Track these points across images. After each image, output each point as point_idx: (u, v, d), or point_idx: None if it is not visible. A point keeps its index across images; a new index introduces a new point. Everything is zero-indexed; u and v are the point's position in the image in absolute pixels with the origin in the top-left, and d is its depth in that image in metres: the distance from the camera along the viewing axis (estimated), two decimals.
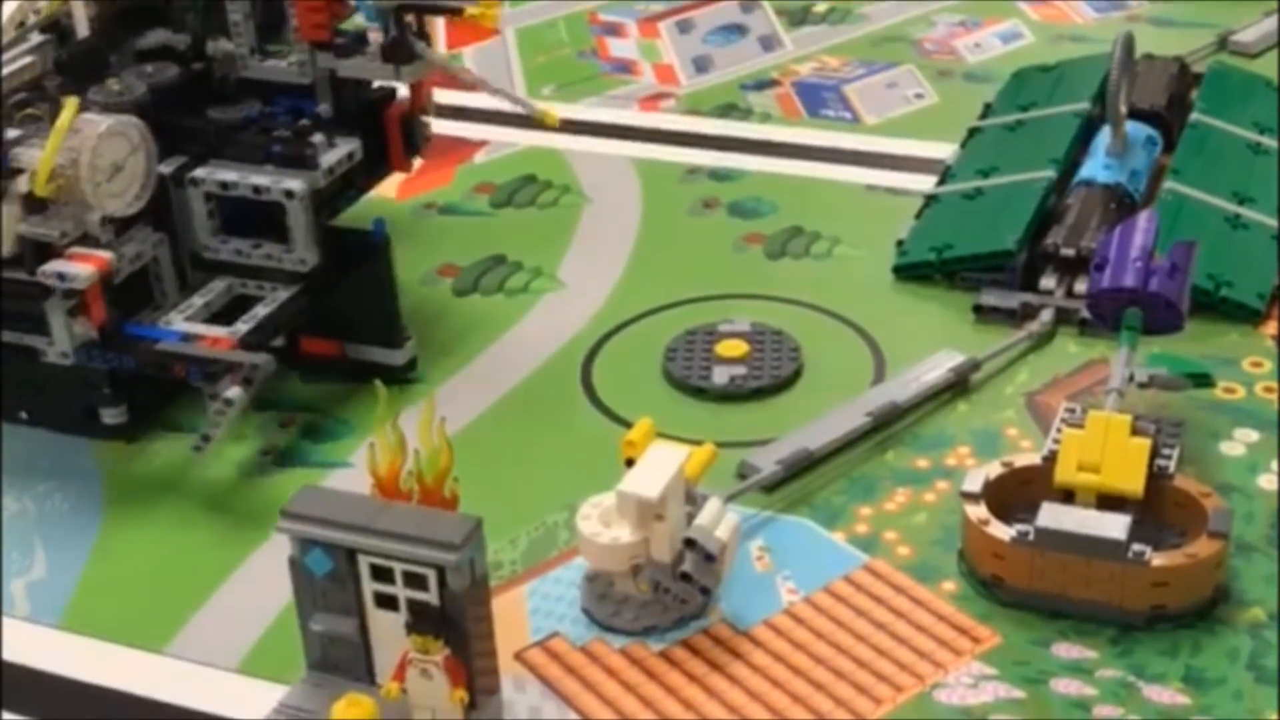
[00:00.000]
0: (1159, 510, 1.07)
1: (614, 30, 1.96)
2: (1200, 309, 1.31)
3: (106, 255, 1.16)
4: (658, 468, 1.03)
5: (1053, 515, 1.04)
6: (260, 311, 1.23)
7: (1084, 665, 1.00)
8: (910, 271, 1.42)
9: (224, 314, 1.24)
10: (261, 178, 1.23)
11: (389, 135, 1.31)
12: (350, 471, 1.21)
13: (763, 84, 1.80)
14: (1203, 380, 1.20)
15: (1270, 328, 1.33)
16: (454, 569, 0.89)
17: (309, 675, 0.97)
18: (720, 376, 1.28)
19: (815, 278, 1.44)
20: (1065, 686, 0.99)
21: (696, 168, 1.63)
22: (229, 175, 1.23)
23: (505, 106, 1.33)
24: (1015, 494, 1.09)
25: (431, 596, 0.91)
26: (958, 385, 1.27)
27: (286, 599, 1.00)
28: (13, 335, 1.21)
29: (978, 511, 1.07)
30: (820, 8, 1.99)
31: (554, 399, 1.30)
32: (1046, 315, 1.33)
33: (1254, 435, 1.20)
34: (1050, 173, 1.48)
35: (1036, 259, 1.39)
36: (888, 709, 0.98)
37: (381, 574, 0.92)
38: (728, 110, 1.75)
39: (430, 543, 0.89)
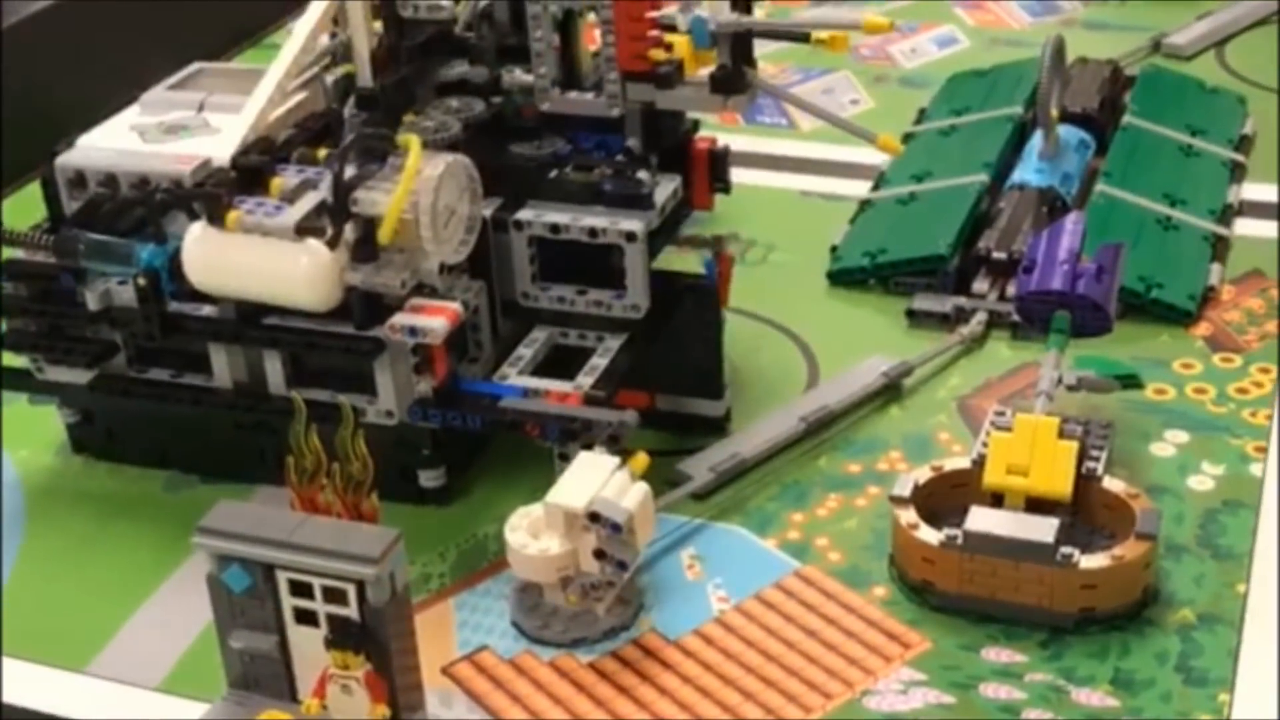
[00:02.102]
0: (1088, 512, 1.07)
1: None
2: (1131, 310, 1.32)
3: (455, 307, 1.07)
4: (586, 477, 1.02)
5: (981, 519, 1.03)
6: (599, 363, 1.13)
7: (1013, 669, 1.00)
8: (844, 277, 1.42)
9: (545, 366, 1.14)
10: (596, 219, 1.12)
11: (695, 171, 1.20)
12: (278, 489, 1.19)
13: None
14: (1131, 382, 1.20)
15: (1201, 329, 1.33)
16: (374, 582, 0.88)
17: (230, 693, 0.95)
18: None
19: (750, 284, 1.43)
20: (995, 691, 0.98)
21: None
22: (559, 217, 1.13)
23: (840, 132, 1.23)
24: (945, 498, 1.09)
25: (351, 611, 0.89)
26: (890, 390, 1.26)
27: (209, 616, 0.98)
28: (325, 393, 1.10)
29: (907, 516, 1.06)
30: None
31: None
32: (979, 319, 1.33)
33: (1184, 436, 1.20)
34: (983, 177, 1.48)
35: (969, 263, 1.39)
36: (817, 716, 0.97)
37: (300, 589, 0.90)
38: None
39: (349, 556, 0.88)
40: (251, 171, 1.09)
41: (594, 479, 1.02)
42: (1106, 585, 1.02)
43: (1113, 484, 1.08)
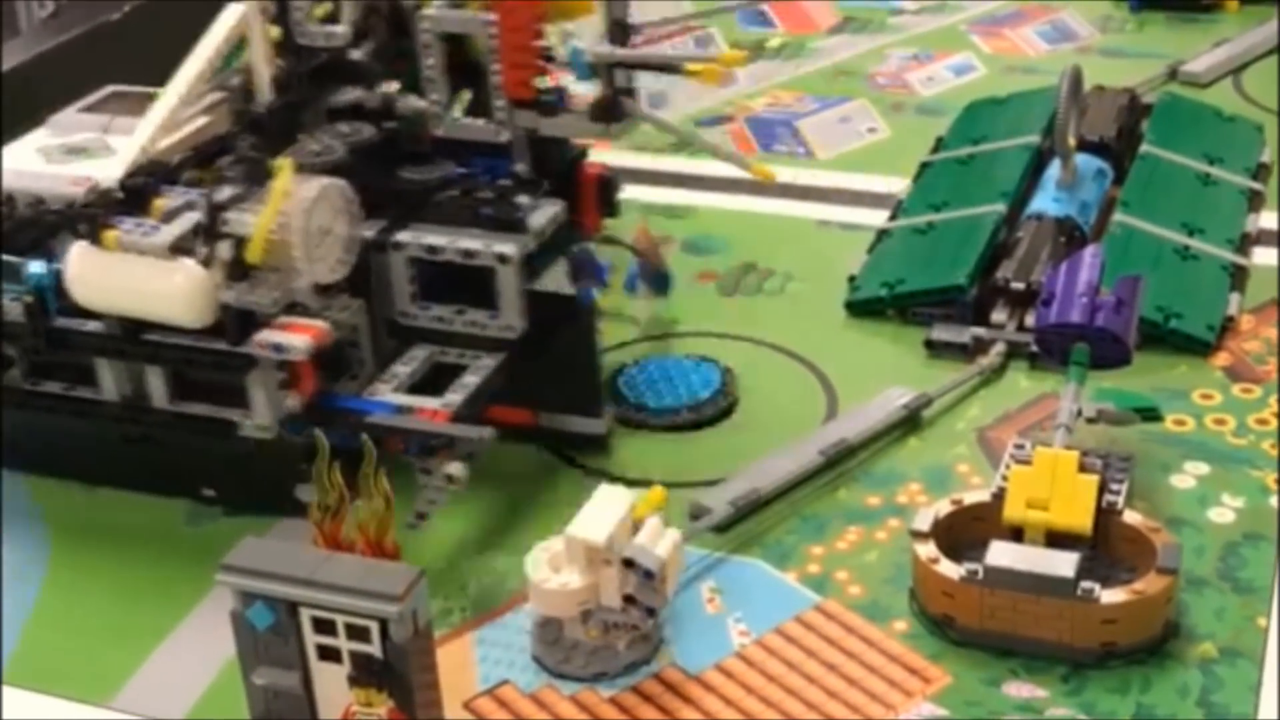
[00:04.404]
0: (1108, 546, 1.07)
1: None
2: (1150, 341, 1.32)
3: (321, 325, 1.10)
4: (606, 511, 1.03)
5: (1002, 553, 1.03)
6: (469, 381, 1.16)
7: (1035, 704, 1.00)
8: (862, 307, 1.42)
9: (423, 384, 1.17)
10: (471, 241, 1.16)
11: (584, 196, 1.26)
12: (299, 522, 1.20)
13: (716, 120, 1.80)
14: (1150, 414, 1.20)
15: (1220, 360, 1.33)
16: (396, 620, 0.88)
17: None
18: None
19: (768, 314, 1.44)
20: None
21: (648, 205, 1.63)
22: (436, 239, 1.17)
23: (721, 162, 1.27)
24: (965, 531, 1.09)
25: (374, 648, 0.90)
26: (909, 421, 1.27)
27: (232, 651, 0.99)
28: (205, 408, 1.15)
29: (927, 550, 1.06)
30: (774, 42, 2.00)
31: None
32: (997, 349, 1.33)
33: (1204, 468, 1.20)
34: (1000, 206, 1.48)
35: (987, 293, 1.39)
36: None
37: (324, 626, 0.91)
38: (680, 147, 1.75)
39: (372, 594, 0.88)
40: (137, 193, 1.13)
41: (613, 513, 1.02)
42: (1128, 620, 1.02)
43: (1133, 517, 1.08)
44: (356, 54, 1.24)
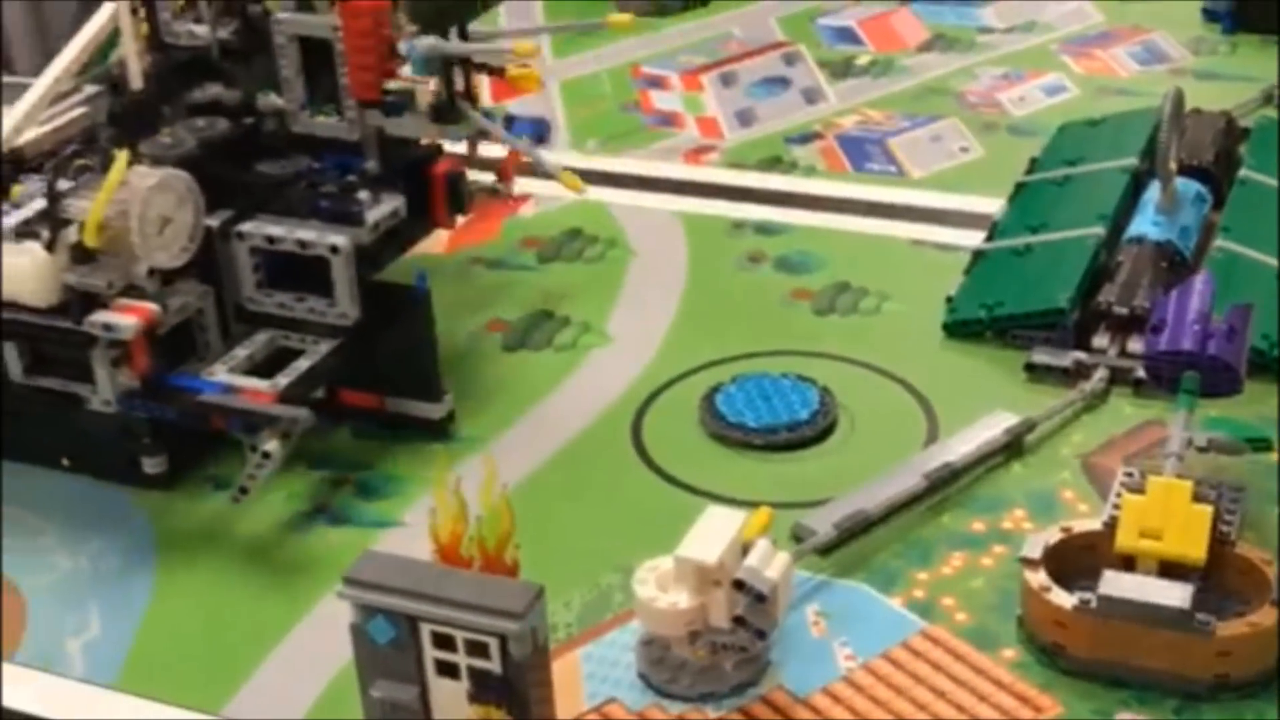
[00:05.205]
0: (1221, 577, 1.06)
1: (657, 83, 1.96)
2: (1253, 370, 1.30)
3: (151, 307, 1.18)
4: (715, 532, 1.03)
5: (1116, 583, 1.03)
6: (301, 365, 1.23)
7: None
8: (960, 329, 1.42)
9: (267, 366, 1.25)
10: (307, 232, 1.24)
11: (434, 193, 1.32)
12: (401, 531, 1.21)
13: (807, 137, 1.80)
14: (1261, 444, 1.19)
15: None
16: (517, 637, 0.89)
17: None
18: None
19: (864, 334, 1.44)
20: None
21: (742, 221, 1.63)
22: (275, 230, 1.25)
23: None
24: (1074, 560, 1.08)
25: (494, 665, 0.90)
26: (1012, 446, 1.26)
27: (342, 660, 0.99)
28: (57, 382, 1.23)
29: (1038, 578, 1.06)
30: (862, 60, 1.99)
31: (604, 457, 1.30)
32: (1100, 374, 1.32)
33: None
34: (1100, 229, 1.47)
35: (1088, 317, 1.38)
36: None
37: (443, 642, 0.91)
38: (772, 163, 1.75)
39: (493, 611, 0.89)
40: None
41: (723, 534, 1.02)
42: (1242, 652, 1.01)
43: (1246, 549, 1.07)
44: (215, 52, 1.31)
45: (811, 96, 1.90)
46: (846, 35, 2.07)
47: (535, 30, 2.06)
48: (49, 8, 2.96)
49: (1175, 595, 1.01)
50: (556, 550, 1.17)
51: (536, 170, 1.36)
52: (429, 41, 1.24)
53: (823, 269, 1.54)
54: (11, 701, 1.07)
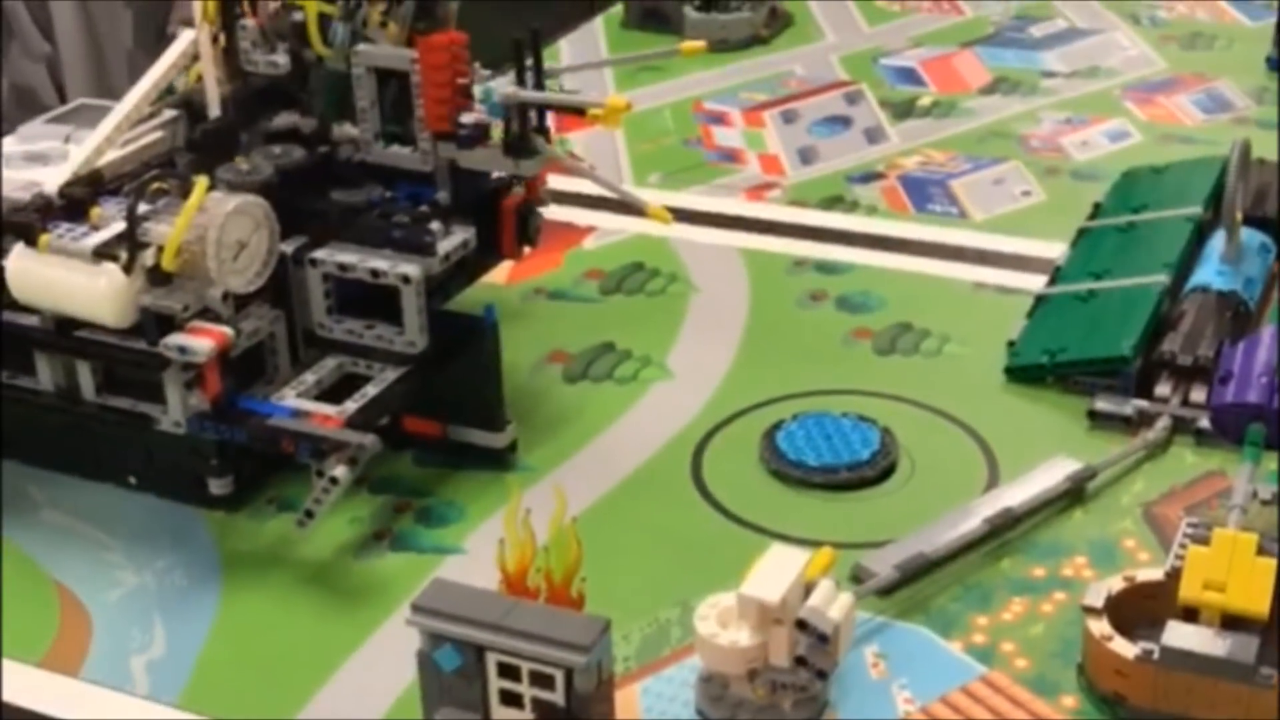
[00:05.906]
0: None
1: (719, 119, 1.97)
2: None
3: (225, 330, 1.19)
4: (778, 571, 1.03)
5: (1179, 634, 1.02)
6: (369, 391, 1.25)
7: None
8: (1022, 373, 1.42)
9: (335, 391, 1.26)
10: (379, 261, 1.25)
11: (504, 225, 1.33)
12: (462, 558, 1.22)
13: (868, 177, 1.81)
14: None
15: None
16: (582, 670, 0.90)
17: None
18: None
19: (926, 375, 1.44)
20: None
21: (803, 259, 1.64)
22: (348, 258, 1.26)
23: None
24: (1136, 609, 1.08)
25: (558, 697, 0.91)
26: (1074, 493, 1.26)
27: (404, 684, 1.00)
28: (128, 402, 1.25)
29: (1100, 627, 1.06)
30: (925, 101, 2.00)
31: (664, 491, 1.30)
32: (1162, 423, 1.32)
33: None
34: (1164, 277, 1.47)
35: (1151, 366, 1.38)
36: None
37: (508, 672, 0.92)
38: (834, 202, 1.76)
39: (560, 644, 0.90)
40: (77, 200, 1.24)
41: (786, 573, 1.03)
42: None
43: None
44: (293, 83, 1.34)
45: (873, 136, 1.91)
46: (908, 76, 2.08)
47: (605, 63, 2.08)
48: (103, 33, 3.01)
49: (1240, 648, 1.01)
50: (616, 583, 1.18)
51: (626, 205, 1.35)
52: (509, 90, 1.25)
53: (883, 309, 1.55)
54: (72, 715, 1.08)
